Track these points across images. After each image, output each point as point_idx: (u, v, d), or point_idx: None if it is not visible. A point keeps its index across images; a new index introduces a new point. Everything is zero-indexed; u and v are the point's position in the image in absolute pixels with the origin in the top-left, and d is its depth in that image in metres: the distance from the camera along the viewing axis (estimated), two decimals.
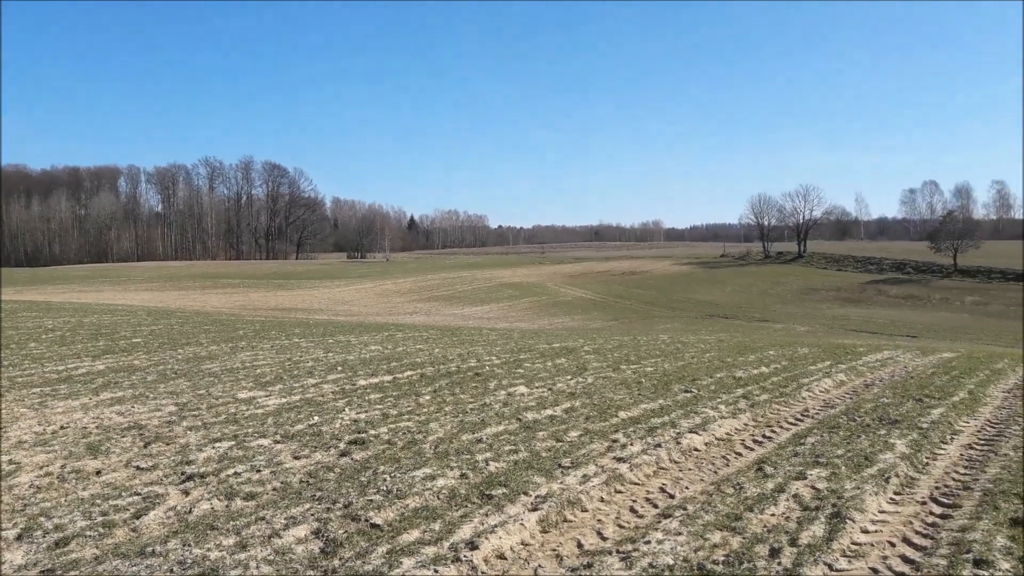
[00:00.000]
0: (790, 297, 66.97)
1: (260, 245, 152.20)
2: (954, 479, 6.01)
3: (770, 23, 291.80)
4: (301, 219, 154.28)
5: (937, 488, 5.75)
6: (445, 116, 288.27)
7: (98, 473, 5.84)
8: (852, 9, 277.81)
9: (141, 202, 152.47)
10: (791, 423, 8.16)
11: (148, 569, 4.06)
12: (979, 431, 7.79)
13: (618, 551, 4.42)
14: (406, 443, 6.77)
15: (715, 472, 6.23)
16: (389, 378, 10.58)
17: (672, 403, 8.92)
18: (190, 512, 4.94)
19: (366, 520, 4.79)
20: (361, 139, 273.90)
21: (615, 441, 6.96)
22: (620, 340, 18.77)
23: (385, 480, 5.62)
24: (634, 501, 5.45)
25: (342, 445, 6.66)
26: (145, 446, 6.63)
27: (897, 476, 5.94)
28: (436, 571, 4.06)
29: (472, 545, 4.39)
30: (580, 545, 4.59)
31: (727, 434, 7.55)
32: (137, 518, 4.82)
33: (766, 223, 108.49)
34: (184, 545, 4.37)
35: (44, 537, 4.51)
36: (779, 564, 4.22)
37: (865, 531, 4.80)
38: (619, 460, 6.30)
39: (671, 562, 4.22)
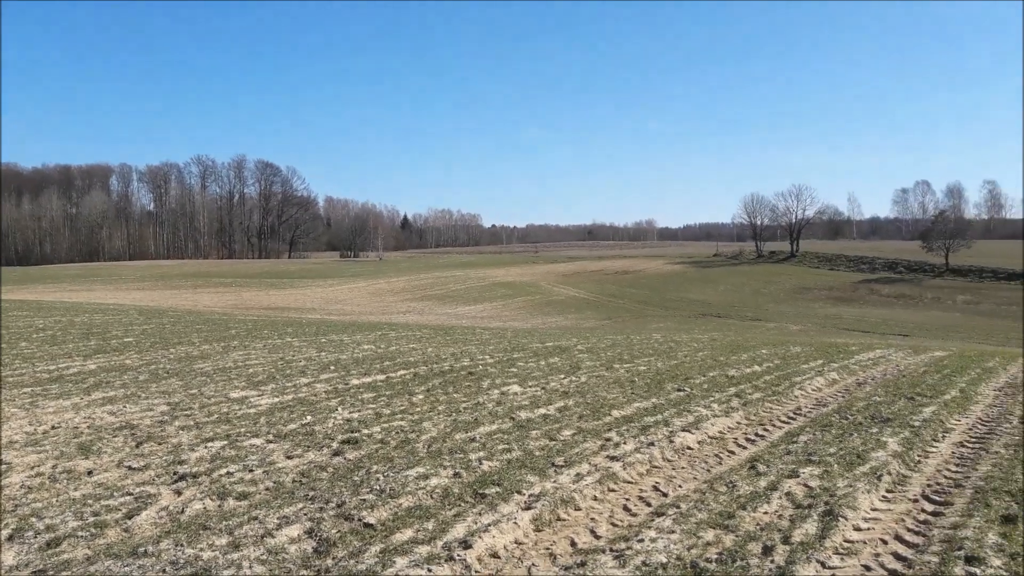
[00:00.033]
0: (783, 296, 67.17)
1: (252, 244, 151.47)
2: (946, 477, 6.04)
3: (767, 24, 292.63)
4: (294, 218, 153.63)
5: (929, 486, 5.78)
6: (443, 116, 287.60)
7: (90, 473, 5.81)
8: (849, 10, 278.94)
9: (133, 201, 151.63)
10: (784, 421, 8.19)
11: (140, 569, 4.04)
12: (971, 429, 7.84)
13: (612, 549, 4.43)
14: (399, 442, 6.76)
15: (708, 470, 6.25)
16: (382, 377, 10.56)
17: (665, 402, 8.94)
18: (182, 512, 4.92)
19: (359, 519, 4.78)
20: (357, 138, 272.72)
21: (608, 440, 6.97)
22: (613, 339, 18.79)
23: (378, 479, 5.61)
24: (627, 499, 5.46)
25: (335, 444, 6.65)
26: (137, 446, 6.60)
27: (889, 474, 5.97)
28: (430, 570, 4.05)
29: (466, 544, 4.39)
30: (574, 544, 4.59)
31: (720, 432, 7.57)
32: (129, 518, 4.80)
33: (759, 222, 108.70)
34: (176, 545, 4.35)
35: (36, 537, 4.49)
36: (772, 562, 4.23)
37: (858, 529, 4.82)
38: (612, 459, 6.31)
39: (664, 560, 4.23)
